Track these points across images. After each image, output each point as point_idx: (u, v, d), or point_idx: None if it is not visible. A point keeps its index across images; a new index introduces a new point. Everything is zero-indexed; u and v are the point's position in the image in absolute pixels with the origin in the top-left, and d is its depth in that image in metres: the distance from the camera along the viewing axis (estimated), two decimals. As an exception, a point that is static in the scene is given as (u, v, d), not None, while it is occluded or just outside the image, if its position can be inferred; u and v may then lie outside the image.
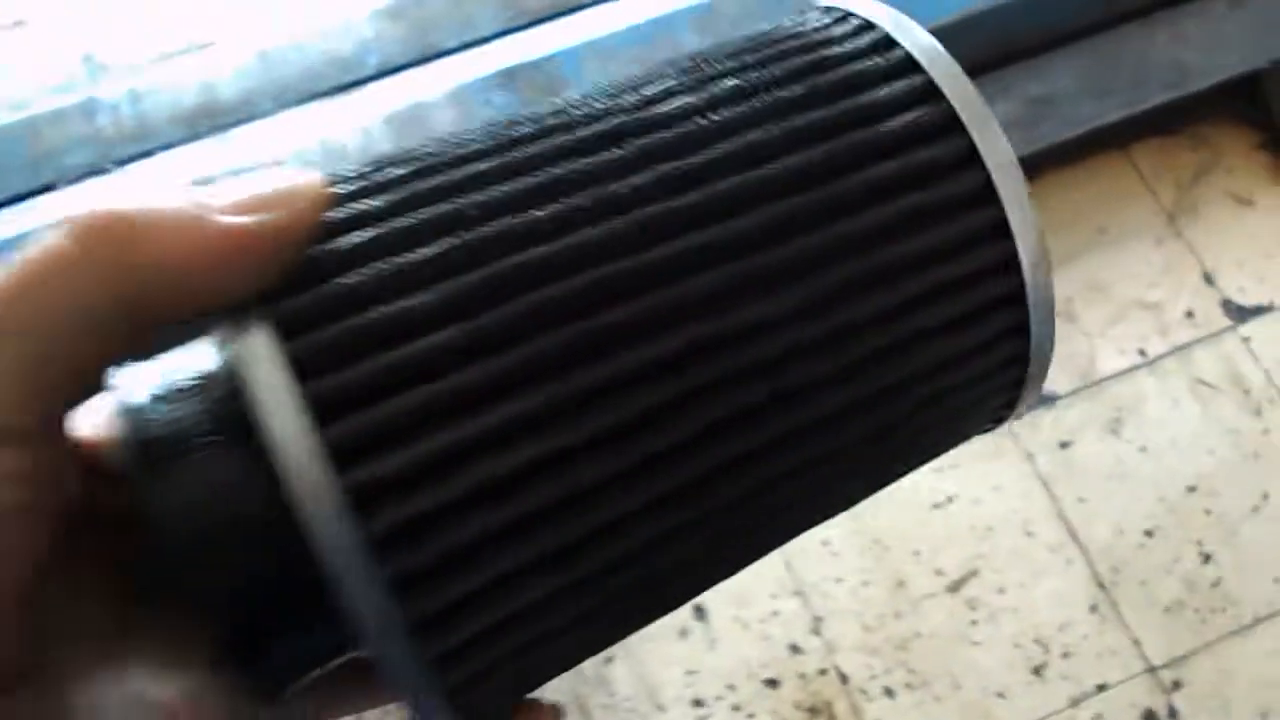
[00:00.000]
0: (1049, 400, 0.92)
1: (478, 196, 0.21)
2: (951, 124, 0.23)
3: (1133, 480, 0.89)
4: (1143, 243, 0.97)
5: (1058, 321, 0.94)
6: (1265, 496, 0.89)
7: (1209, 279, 0.96)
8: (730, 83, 0.23)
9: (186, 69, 1.01)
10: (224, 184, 0.19)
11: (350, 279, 0.19)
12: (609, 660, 0.85)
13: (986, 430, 0.28)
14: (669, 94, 0.23)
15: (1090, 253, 0.96)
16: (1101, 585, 0.86)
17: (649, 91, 0.23)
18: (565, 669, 0.23)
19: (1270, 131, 0.99)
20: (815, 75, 0.24)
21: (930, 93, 0.24)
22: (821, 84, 0.23)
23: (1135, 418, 0.91)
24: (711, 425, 0.21)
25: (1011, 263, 0.23)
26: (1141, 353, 0.93)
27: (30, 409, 0.18)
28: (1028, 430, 0.90)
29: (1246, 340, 0.93)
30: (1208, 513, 0.88)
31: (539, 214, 0.21)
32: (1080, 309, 0.94)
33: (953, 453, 0.93)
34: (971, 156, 0.23)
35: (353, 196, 0.21)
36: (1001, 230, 0.23)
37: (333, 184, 0.21)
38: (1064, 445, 0.90)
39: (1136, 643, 0.85)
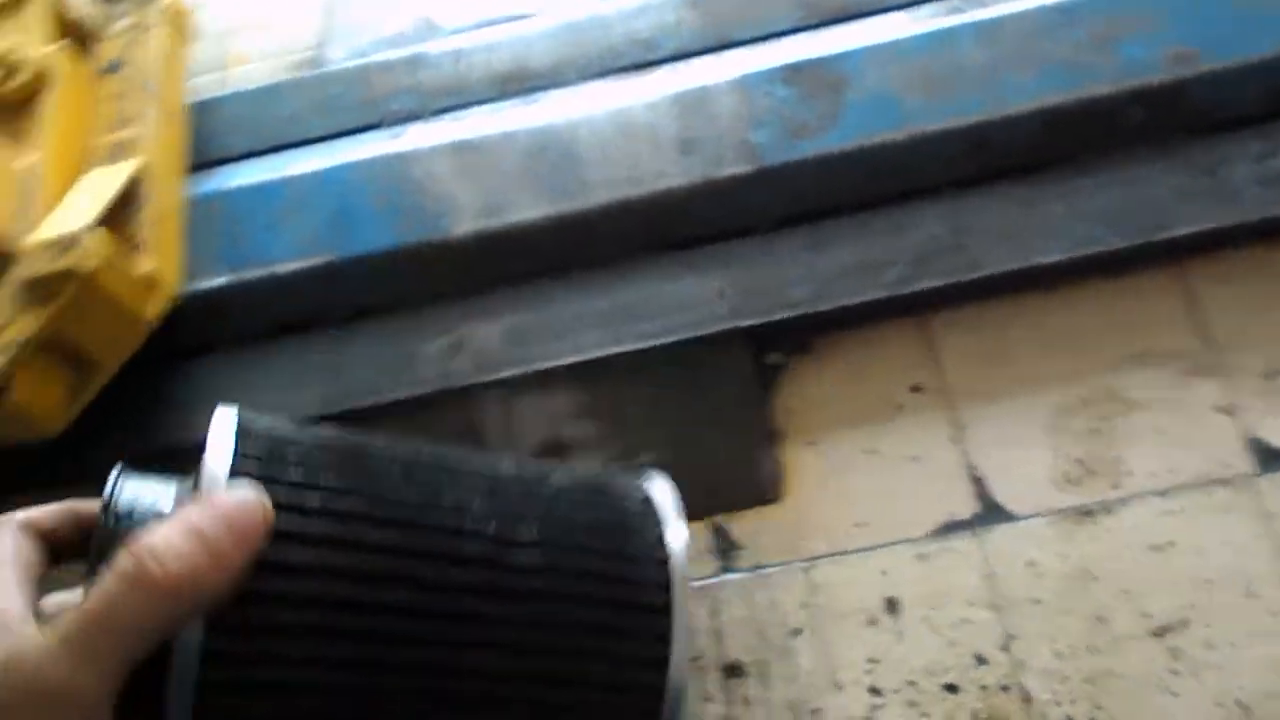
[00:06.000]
0: (1298, 463, 0.87)
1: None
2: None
3: (1381, 561, 0.84)
4: None
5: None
6: None
7: None
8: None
9: (504, 35, 1.12)
10: (207, 520, 0.33)
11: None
12: (796, 632, 0.88)
13: None
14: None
15: (1374, 319, 0.91)
16: (1325, 663, 0.82)
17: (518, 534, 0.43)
18: None
19: None
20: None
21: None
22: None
23: (1395, 497, 0.85)
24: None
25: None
26: None
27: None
28: (1270, 488, 0.87)
29: None
30: None
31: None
32: (1351, 375, 0.89)
33: (1181, 498, 0.90)
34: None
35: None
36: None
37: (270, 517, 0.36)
38: (1308, 512, 0.86)
39: (1355, 729, 0.80)
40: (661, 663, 0.43)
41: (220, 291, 1.03)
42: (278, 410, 1.00)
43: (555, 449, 0.97)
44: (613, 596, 0.43)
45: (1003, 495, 0.91)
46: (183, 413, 1.03)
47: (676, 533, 0.47)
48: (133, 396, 1.02)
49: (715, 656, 0.89)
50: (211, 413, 0.45)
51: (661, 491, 0.50)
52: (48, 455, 0.99)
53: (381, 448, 0.42)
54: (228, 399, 1.04)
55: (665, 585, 0.45)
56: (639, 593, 0.44)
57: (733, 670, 0.89)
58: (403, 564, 0.37)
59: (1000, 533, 0.89)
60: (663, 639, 0.43)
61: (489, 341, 0.99)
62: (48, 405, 0.96)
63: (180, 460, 0.98)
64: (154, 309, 1.00)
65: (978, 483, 0.92)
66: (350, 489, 0.38)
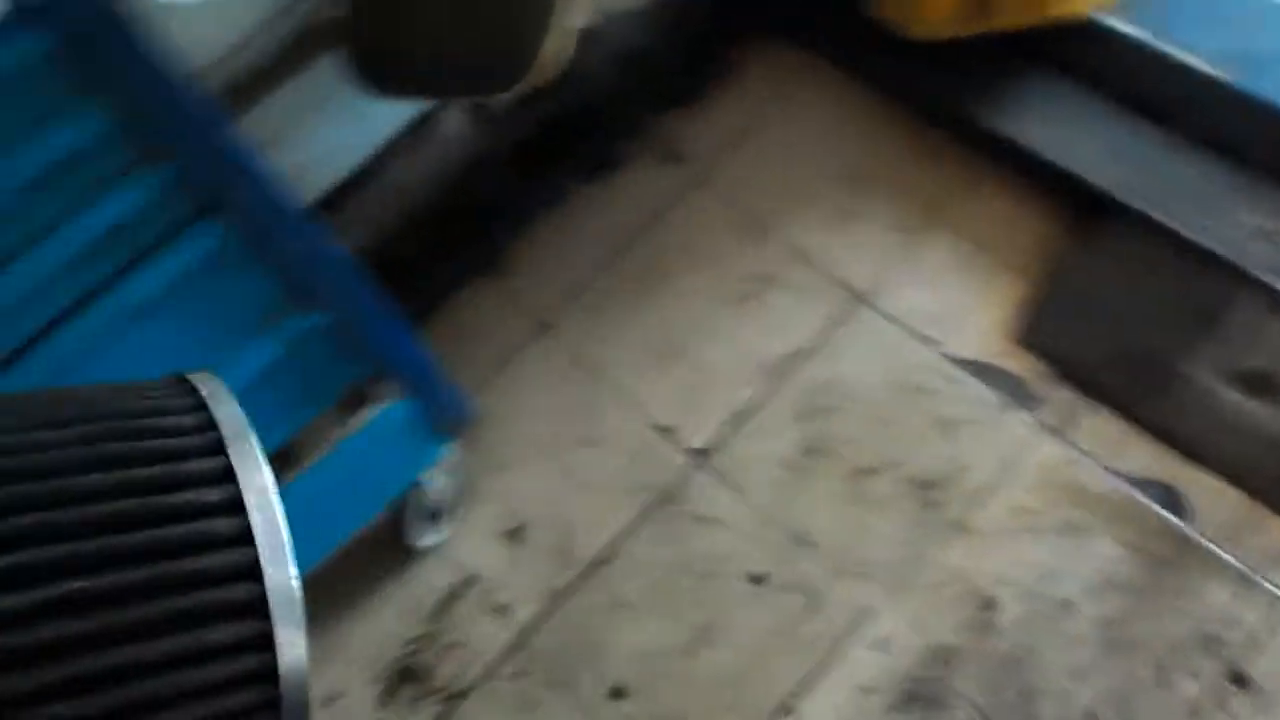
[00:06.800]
0: None
1: None
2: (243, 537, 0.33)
3: None
4: None
5: None
6: None
7: None
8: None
9: None
10: None
11: None
12: None
13: None
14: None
15: None
16: None
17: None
18: None
19: None
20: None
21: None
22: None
23: None
24: None
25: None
26: None
27: None
28: None
29: None
30: None
31: None
32: None
33: None
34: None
35: None
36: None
37: None
38: None
39: None
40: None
41: (1114, 30, 1.03)
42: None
43: (1261, 380, 0.91)
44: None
45: None
46: (998, 102, 1.07)
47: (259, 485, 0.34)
48: (998, 59, 1.07)
49: (1232, 658, 0.83)
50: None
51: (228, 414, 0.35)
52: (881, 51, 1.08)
53: None
54: (1049, 118, 1.05)
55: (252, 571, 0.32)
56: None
57: (1240, 680, 0.82)
58: None
59: None
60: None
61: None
62: (936, 11, 1.02)
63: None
64: (1091, 5, 1.01)
65: None
66: None
